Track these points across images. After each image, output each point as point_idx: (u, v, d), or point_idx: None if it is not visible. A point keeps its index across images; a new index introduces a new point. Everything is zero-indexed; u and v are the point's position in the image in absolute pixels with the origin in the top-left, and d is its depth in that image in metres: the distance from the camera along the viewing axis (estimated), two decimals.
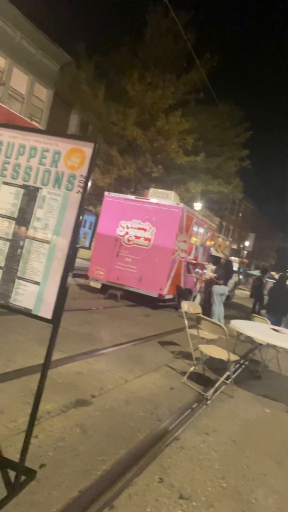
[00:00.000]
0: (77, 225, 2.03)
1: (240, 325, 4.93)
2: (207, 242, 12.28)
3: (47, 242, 2.09)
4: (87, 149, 2.05)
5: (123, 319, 7.50)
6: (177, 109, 13.57)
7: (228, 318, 11.59)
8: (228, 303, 13.76)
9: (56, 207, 2.09)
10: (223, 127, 15.68)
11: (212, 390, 4.25)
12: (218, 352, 4.48)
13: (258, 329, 5.10)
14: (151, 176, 13.65)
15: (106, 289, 9.73)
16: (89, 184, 2.00)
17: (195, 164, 14.03)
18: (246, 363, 6.14)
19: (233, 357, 4.43)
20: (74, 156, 2.07)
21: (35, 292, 2.09)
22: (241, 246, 42.86)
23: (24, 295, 2.11)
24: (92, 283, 9.94)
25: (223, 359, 4.35)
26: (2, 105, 10.33)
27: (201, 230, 11.57)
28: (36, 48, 14.40)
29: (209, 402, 4.10)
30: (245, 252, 41.37)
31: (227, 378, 4.41)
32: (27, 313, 2.10)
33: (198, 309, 5.74)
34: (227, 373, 4.40)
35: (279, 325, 9.60)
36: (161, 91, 13.39)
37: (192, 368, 4.60)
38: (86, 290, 10.16)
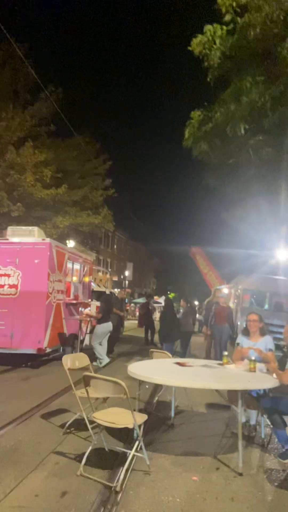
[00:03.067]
0: None
1: (141, 371, 3.88)
2: (85, 277, 11.18)
3: None
4: None
5: None
6: (27, 141, 12.49)
7: (123, 355, 10.62)
8: (120, 337, 12.77)
9: None
10: (81, 159, 15.21)
11: (121, 475, 3.04)
12: (119, 418, 3.32)
13: (164, 371, 4.12)
14: (11, 216, 12.09)
15: None
16: None
17: (58, 197, 13.05)
18: (153, 409, 5.10)
19: (140, 419, 3.32)
20: None
21: None
22: (122, 276, 43.10)
23: None
24: None
25: (128, 426, 3.21)
26: None
27: (77, 266, 10.43)
28: None
29: (120, 495, 2.88)
30: (127, 282, 41.65)
31: (137, 448, 3.27)
32: None
33: (85, 361, 4.52)
34: (136, 442, 3.27)
35: (172, 350, 9.00)
36: (5, 123, 12.16)
37: (89, 449, 3.33)
38: None
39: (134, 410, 3.29)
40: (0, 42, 13.14)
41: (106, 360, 8.48)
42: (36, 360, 8.32)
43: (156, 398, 5.30)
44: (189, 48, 7.75)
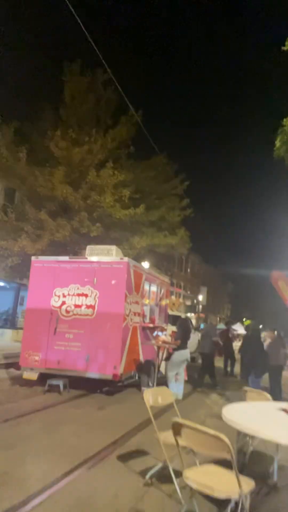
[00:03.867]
0: None
1: (241, 419, 3.09)
2: (162, 300, 10.63)
3: None
4: None
5: (67, 424, 5.30)
6: (108, 162, 12.65)
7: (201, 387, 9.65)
8: (194, 365, 11.86)
9: None
10: (159, 179, 15.05)
11: None
12: (219, 481, 2.58)
13: (271, 421, 3.29)
14: (90, 237, 12.19)
15: (45, 379, 7.47)
16: None
17: (136, 217, 12.91)
18: (246, 460, 4.21)
19: (247, 486, 2.55)
20: None
21: None
22: (195, 301, 41.83)
23: None
24: (25, 374, 7.63)
25: (230, 496, 2.46)
26: None
27: (154, 287, 9.94)
28: None
29: None
30: (200, 306, 40.31)
31: None
32: None
33: (168, 397, 3.87)
34: None
35: (259, 385, 7.91)
36: (87, 147, 12.47)
37: None
38: (19, 385, 7.81)
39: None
40: (83, 71, 13.78)
41: (180, 392, 7.71)
42: (111, 387, 7.85)
43: (251, 448, 4.40)
44: (284, 48, 7.04)
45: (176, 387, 7.69)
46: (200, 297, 40.41)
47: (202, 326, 15.32)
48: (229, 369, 12.65)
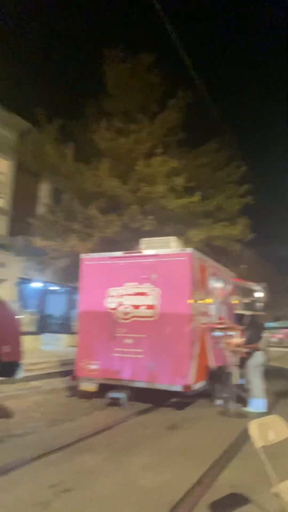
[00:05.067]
0: None
1: None
2: (229, 297, 9.37)
3: None
4: None
5: (136, 453, 4.28)
6: (157, 149, 11.60)
7: (284, 397, 8.18)
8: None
9: None
10: (213, 166, 13.75)
11: None
12: None
13: None
14: (142, 232, 11.23)
15: (105, 391, 6.56)
16: None
17: (191, 208, 11.75)
18: None
19: None
20: None
21: None
22: (252, 299, 39.47)
23: None
24: (82, 386, 6.79)
25: None
26: None
27: (220, 282, 8.72)
28: None
29: None
30: (259, 304, 37.81)
31: None
32: None
33: (283, 429, 2.69)
34: None
35: None
36: (135, 136, 11.51)
37: None
38: (77, 397, 6.99)
39: None
40: (125, 57, 12.88)
41: (262, 404, 6.42)
42: (180, 398, 6.76)
43: None
44: None
45: (258, 393, 6.48)
46: (259, 294, 37.94)
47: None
48: None
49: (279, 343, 36.03)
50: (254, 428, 2.49)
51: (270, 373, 9.98)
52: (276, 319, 41.89)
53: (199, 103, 13.02)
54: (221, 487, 3.45)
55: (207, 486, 3.48)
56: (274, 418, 2.77)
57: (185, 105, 12.82)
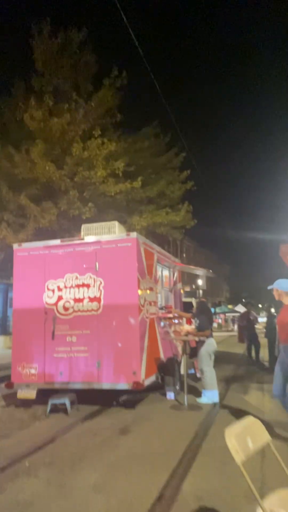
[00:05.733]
0: None
1: None
2: (176, 285, 9.01)
3: None
4: None
5: (86, 468, 3.66)
6: (94, 131, 10.85)
7: (234, 382, 8.04)
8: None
9: None
10: (152, 152, 13.33)
11: None
12: None
13: None
14: (81, 220, 10.48)
15: (47, 397, 5.82)
16: None
17: (133, 194, 11.22)
18: None
19: None
20: None
21: None
22: (193, 286, 40.38)
23: None
24: (20, 393, 5.97)
25: None
26: None
27: (166, 270, 8.31)
28: None
29: None
30: (201, 291, 38.76)
31: None
32: None
33: (262, 435, 2.25)
34: None
35: None
36: (68, 115, 10.64)
37: None
38: (14, 405, 6.15)
39: None
40: (56, 31, 11.88)
41: (215, 395, 6.17)
42: (130, 396, 6.25)
43: None
44: None
45: (210, 380, 6.20)
46: (200, 282, 38.93)
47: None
48: (253, 354, 11.15)
49: (218, 328, 37.63)
50: (231, 439, 2.00)
51: (216, 359, 9.88)
52: (216, 305, 43.49)
53: (139, 84, 12.57)
54: (186, 500, 2.98)
55: (170, 500, 2.99)
56: (248, 421, 2.31)
57: (123, 86, 12.22)
